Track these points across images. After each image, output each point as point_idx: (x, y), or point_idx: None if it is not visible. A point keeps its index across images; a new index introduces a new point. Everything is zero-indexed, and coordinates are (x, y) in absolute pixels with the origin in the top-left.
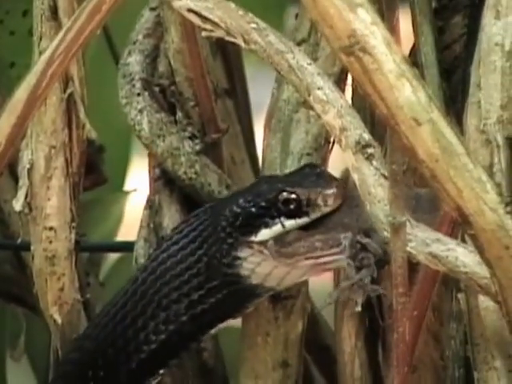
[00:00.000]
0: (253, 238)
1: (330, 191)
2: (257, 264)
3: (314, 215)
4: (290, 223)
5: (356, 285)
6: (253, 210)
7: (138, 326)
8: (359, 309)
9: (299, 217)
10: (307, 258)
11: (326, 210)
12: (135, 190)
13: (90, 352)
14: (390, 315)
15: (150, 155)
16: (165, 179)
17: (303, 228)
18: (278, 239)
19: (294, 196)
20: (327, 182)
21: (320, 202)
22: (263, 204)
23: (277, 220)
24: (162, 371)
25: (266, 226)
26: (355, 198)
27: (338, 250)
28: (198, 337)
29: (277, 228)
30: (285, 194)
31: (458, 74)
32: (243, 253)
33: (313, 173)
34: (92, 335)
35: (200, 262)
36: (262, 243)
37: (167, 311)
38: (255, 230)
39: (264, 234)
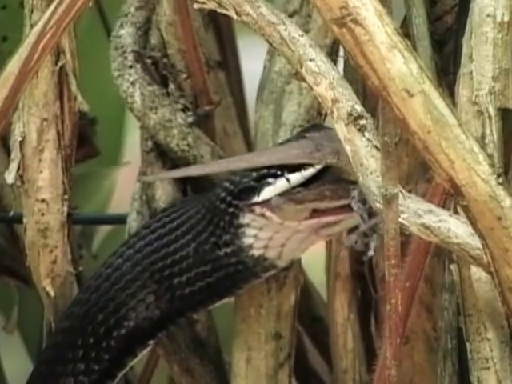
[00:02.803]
0: (255, 199)
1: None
2: (259, 229)
3: (319, 164)
4: (294, 176)
5: (369, 230)
6: (253, 173)
7: (130, 292)
8: (372, 253)
9: (304, 169)
10: (315, 212)
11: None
12: (128, 163)
13: (79, 318)
14: (383, 286)
15: (143, 127)
16: (157, 151)
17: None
18: (285, 194)
19: None
20: (331, 134)
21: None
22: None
23: (280, 176)
24: (150, 342)
25: (269, 184)
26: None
27: (346, 201)
28: (187, 314)
29: (281, 183)
30: None
31: (449, 46)
32: (245, 219)
33: (316, 129)
34: (82, 299)
35: (188, 247)
36: (265, 203)
37: (158, 284)
38: (257, 191)
39: (268, 191)
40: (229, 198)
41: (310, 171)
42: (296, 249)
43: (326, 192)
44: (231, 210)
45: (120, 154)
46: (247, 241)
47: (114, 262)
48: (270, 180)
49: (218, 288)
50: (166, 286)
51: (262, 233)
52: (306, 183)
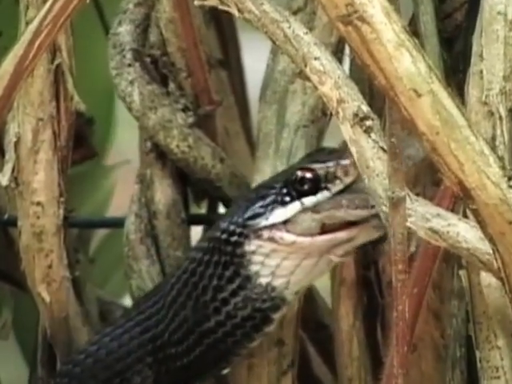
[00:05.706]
0: (264, 223)
1: (349, 161)
2: (266, 256)
3: (335, 188)
4: (309, 200)
5: None
6: (260, 202)
7: (126, 363)
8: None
9: (319, 191)
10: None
11: (347, 181)
12: (126, 163)
13: (68, 377)
14: (389, 293)
15: (142, 128)
16: (156, 153)
17: None
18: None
19: (309, 175)
20: (342, 155)
21: (340, 173)
22: (275, 190)
23: (293, 201)
24: None
25: (279, 208)
26: None
27: (363, 212)
28: (199, 377)
29: (294, 206)
30: (299, 172)
31: (459, 44)
32: (251, 246)
33: (324, 152)
34: (74, 360)
35: (185, 309)
36: (275, 226)
37: (170, 349)
38: (265, 215)
39: (278, 214)
40: (232, 228)
41: (324, 194)
42: (304, 279)
43: (342, 201)
44: (234, 238)
45: (108, 154)
46: (254, 268)
47: (111, 332)
48: (280, 205)
49: (228, 344)
50: (179, 352)
51: (268, 260)
52: None
